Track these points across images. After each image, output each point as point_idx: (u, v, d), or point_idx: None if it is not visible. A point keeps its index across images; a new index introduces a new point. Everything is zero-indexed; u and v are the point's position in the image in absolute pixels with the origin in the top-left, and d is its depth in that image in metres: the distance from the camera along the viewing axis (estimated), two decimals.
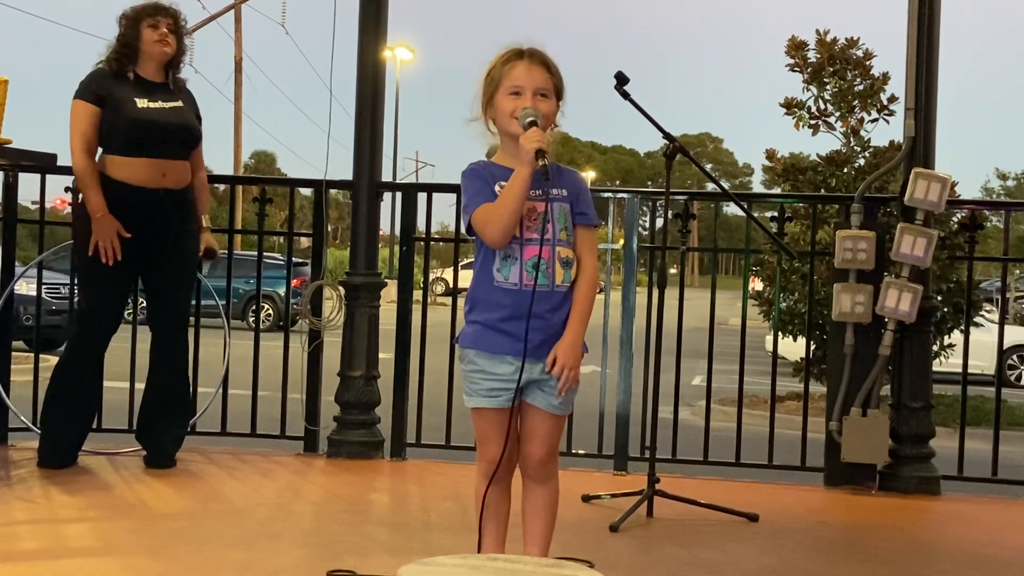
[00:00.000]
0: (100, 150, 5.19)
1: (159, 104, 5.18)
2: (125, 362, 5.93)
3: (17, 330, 6.53)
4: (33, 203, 5.93)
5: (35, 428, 5.78)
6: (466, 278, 3.38)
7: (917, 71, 5.52)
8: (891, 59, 7.31)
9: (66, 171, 5.81)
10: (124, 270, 5.18)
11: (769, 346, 6.26)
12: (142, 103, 5.14)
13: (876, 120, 10.85)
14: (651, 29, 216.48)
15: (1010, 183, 72.53)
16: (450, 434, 5.86)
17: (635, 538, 4.40)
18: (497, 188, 3.06)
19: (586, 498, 4.95)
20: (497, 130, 3.15)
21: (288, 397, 6.01)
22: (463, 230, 3.20)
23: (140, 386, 5.48)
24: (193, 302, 6.03)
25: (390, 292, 6.11)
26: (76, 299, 5.59)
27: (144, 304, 5.46)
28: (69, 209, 5.88)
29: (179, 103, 5.26)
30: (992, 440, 5.68)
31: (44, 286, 6.21)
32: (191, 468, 5.45)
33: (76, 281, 5.53)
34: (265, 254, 6.70)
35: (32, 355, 6.18)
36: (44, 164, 5.98)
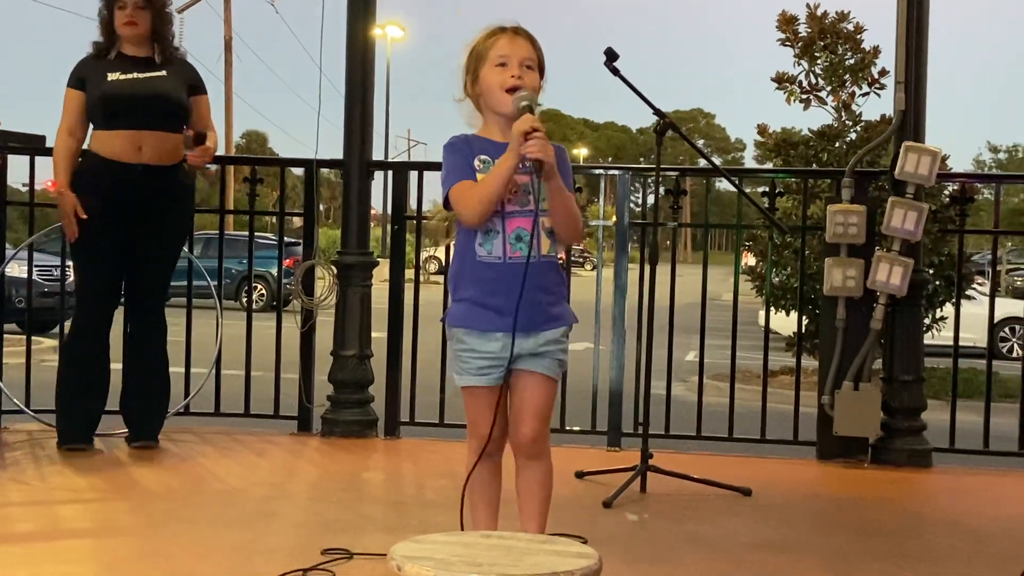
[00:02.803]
0: (92, 128, 5.25)
1: (133, 76, 5.17)
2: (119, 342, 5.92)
3: (9, 312, 6.51)
4: (23, 185, 5.91)
5: (28, 411, 5.79)
6: None
7: (907, 44, 5.51)
8: (881, 32, 7.32)
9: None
10: (111, 246, 5.19)
11: (762, 321, 6.26)
12: (113, 76, 5.16)
13: (867, 94, 10.84)
14: (644, 5, 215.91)
15: (1002, 156, 72.61)
16: (444, 412, 5.87)
17: (629, 514, 4.42)
18: (477, 163, 3.05)
19: (579, 474, 4.96)
20: (482, 107, 3.15)
21: (281, 377, 6.01)
22: (441, 203, 3.20)
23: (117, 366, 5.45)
24: (184, 283, 6.03)
25: (382, 271, 6.10)
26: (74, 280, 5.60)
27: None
28: None
29: (160, 73, 5.23)
30: (984, 412, 5.71)
31: (35, 268, 6.19)
32: (185, 449, 5.46)
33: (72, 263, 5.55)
34: (257, 234, 6.68)
35: (24, 338, 6.17)
36: (33, 146, 5.98)
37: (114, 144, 5.14)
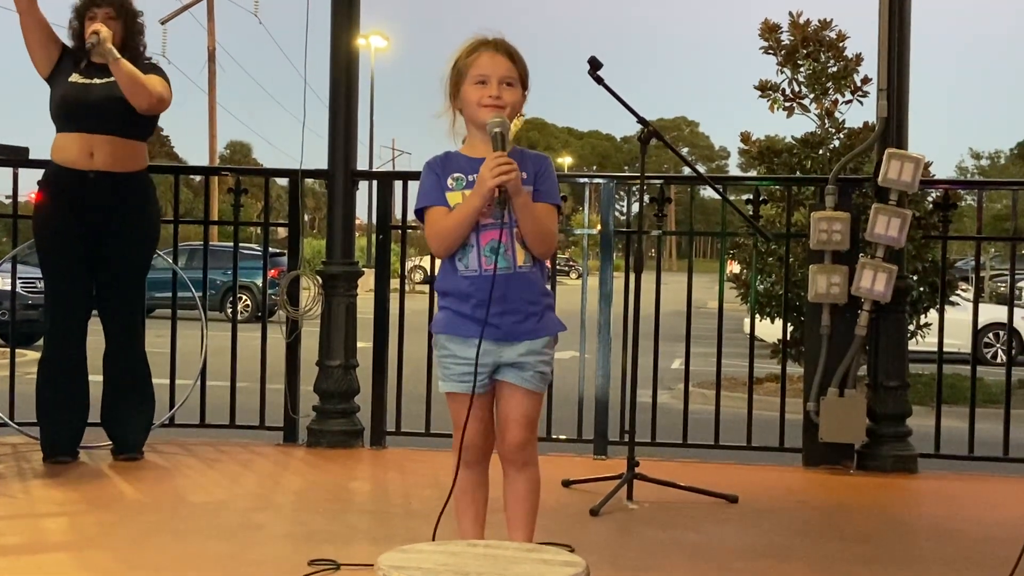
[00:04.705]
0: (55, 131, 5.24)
1: (92, 80, 5.15)
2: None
3: None
4: (7, 197, 5.90)
5: (12, 424, 5.76)
6: None
7: (889, 52, 5.54)
8: (864, 40, 7.35)
9: (39, 165, 5.78)
10: (74, 254, 5.17)
11: (747, 328, 6.28)
12: (74, 77, 5.16)
13: (850, 101, 10.88)
14: (627, 13, 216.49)
15: (984, 162, 73.04)
16: (430, 422, 5.86)
17: (615, 522, 4.42)
18: (450, 181, 3.09)
19: (566, 483, 4.96)
20: (464, 120, 3.16)
21: (267, 388, 5.99)
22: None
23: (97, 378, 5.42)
24: (168, 294, 6.01)
25: (367, 281, 6.10)
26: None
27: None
28: None
29: None
30: (968, 418, 5.73)
31: (19, 280, 6.17)
32: (170, 460, 5.44)
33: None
34: (241, 245, 6.67)
35: (8, 350, 6.14)
36: (16, 158, 5.96)
37: (67, 148, 5.14)
